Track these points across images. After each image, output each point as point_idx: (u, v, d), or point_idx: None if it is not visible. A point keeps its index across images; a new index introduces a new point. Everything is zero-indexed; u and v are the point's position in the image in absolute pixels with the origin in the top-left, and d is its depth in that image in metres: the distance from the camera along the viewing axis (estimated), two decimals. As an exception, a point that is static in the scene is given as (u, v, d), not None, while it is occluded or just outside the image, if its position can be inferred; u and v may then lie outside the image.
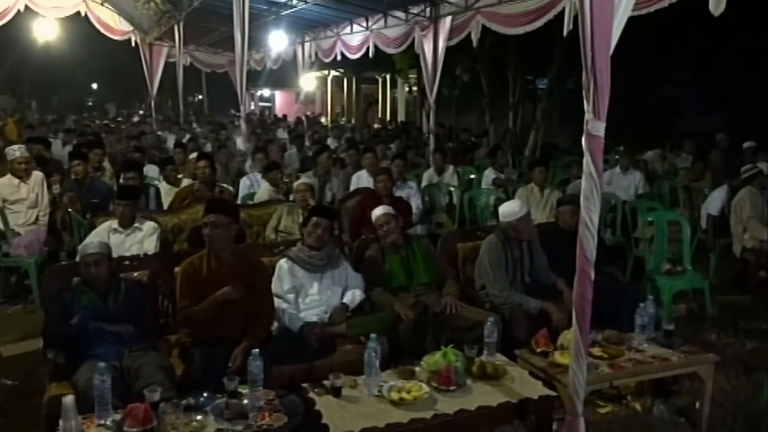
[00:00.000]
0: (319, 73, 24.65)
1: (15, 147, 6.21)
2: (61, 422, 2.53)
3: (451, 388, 2.97)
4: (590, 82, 2.74)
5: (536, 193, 6.26)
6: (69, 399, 2.55)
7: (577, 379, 2.88)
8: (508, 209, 4.32)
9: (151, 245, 4.68)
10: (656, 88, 14.82)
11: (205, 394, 2.81)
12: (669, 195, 7.77)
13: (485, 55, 12.61)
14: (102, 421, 2.63)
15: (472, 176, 8.62)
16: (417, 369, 3.16)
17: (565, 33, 6.57)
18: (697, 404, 3.60)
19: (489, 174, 7.72)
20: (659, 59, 13.28)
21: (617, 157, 9.01)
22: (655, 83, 14.48)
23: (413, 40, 9.42)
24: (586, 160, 2.80)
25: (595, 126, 2.77)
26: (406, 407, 2.82)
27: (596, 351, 3.38)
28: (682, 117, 14.50)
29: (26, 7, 13.42)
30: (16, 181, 5.87)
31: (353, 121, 23.60)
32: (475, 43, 8.48)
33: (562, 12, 6.64)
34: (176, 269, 3.81)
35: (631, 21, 2.92)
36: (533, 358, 3.41)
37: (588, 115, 2.77)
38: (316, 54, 13.71)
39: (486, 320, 3.46)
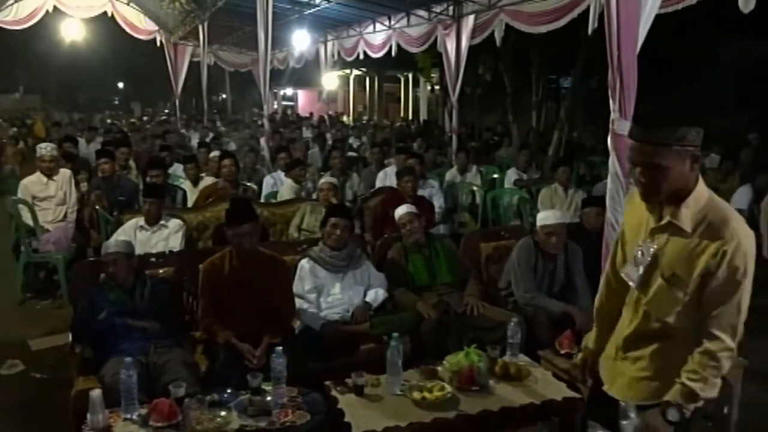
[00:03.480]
0: (341, 72, 24.70)
1: (43, 145, 6.32)
2: (88, 416, 2.57)
3: (474, 388, 2.95)
4: (616, 80, 2.72)
5: (560, 193, 6.21)
6: (96, 393, 2.60)
7: (601, 381, 2.85)
8: (540, 215, 4.25)
9: (176, 242, 4.72)
10: (683, 86, 14.61)
11: (228, 391, 2.84)
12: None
13: (508, 54, 12.52)
14: (128, 416, 2.67)
15: (495, 176, 8.58)
16: (439, 369, 3.15)
17: (589, 31, 6.51)
18: (725, 409, 3.53)
19: (511, 174, 7.67)
20: (684, 56, 13.10)
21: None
22: (681, 81, 14.28)
23: (436, 38, 9.41)
24: (612, 160, 2.79)
25: (621, 125, 2.75)
26: (429, 407, 2.82)
27: (621, 353, 3.34)
28: (709, 115, 14.28)
29: (54, 7, 13.69)
30: (44, 178, 5.98)
31: (375, 119, 23.61)
32: (498, 42, 8.43)
33: (587, 10, 6.58)
34: (201, 266, 3.85)
35: (657, 18, 2.89)
36: (557, 360, 3.38)
37: (614, 114, 2.75)
38: (338, 53, 13.75)
39: (509, 321, 3.44)
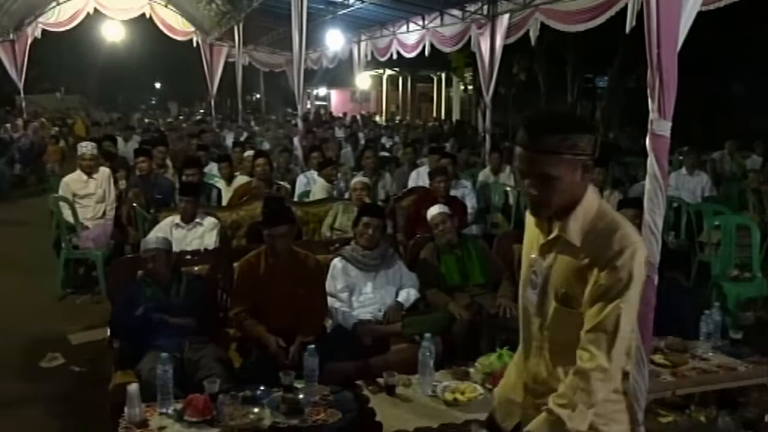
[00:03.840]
0: (374, 72, 24.76)
1: (84, 144, 6.48)
2: (126, 409, 2.63)
3: (507, 390, 2.93)
4: (656, 79, 2.66)
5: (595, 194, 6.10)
6: (134, 387, 2.65)
7: (637, 387, 2.79)
8: None
9: (211, 240, 4.78)
10: (723, 85, 14.26)
11: (261, 387, 2.87)
12: (737, 198, 7.45)
13: (543, 53, 12.40)
14: (164, 410, 2.72)
15: (529, 176, 8.47)
16: (471, 370, 3.13)
17: (627, 30, 6.38)
18: (766, 417, 3.44)
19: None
20: (725, 55, 12.78)
21: (681, 158, 8.74)
22: (721, 80, 13.94)
23: (470, 38, 9.35)
24: (650, 161, 2.72)
25: (660, 125, 2.68)
26: (461, 408, 2.81)
27: (658, 358, 3.28)
28: (750, 115, 13.91)
29: (95, 9, 14.03)
30: (85, 176, 6.12)
31: (408, 119, 23.60)
32: (533, 41, 8.33)
33: (625, 8, 6.46)
34: (235, 264, 3.90)
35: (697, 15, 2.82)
36: (591, 363, 3.32)
37: (653, 114, 2.69)
38: (371, 53, 13.78)
39: (542, 323, 3.40)
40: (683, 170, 7.52)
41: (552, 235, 1.74)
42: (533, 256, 1.81)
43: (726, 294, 4.84)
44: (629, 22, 6.35)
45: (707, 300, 4.06)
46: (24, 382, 4.27)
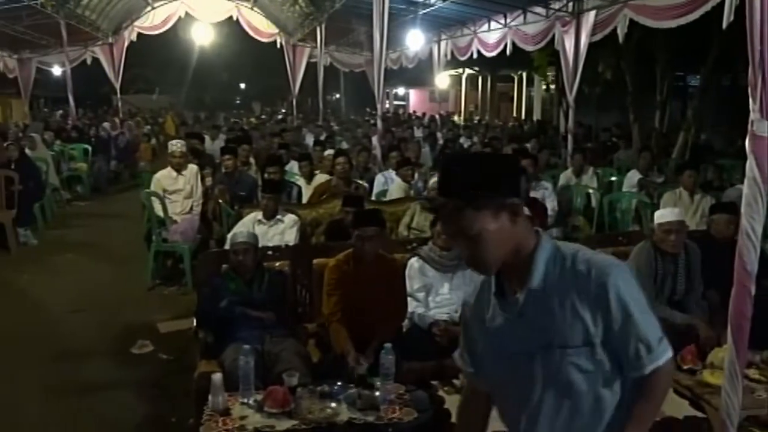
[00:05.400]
0: (453, 72, 24.59)
1: (174, 142, 6.79)
2: (210, 397, 2.74)
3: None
4: (758, 78, 2.50)
5: (685, 198, 5.83)
6: (218, 377, 2.75)
7: (730, 402, 2.64)
8: (657, 213, 4.12)
9: (291, 237, 4.90)
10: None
11: (339, 383, 2.91)
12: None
13: (631, 51, 11.89)
14: (245, 400, 2.81)
15: (613, 178, 8.19)
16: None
17: (724, 25, 6.03)
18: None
19: (633, 176, 7.29)
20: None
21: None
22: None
23: (553, 36, 9.13)
24: (750, 164, 2.56)
25: (762, 126, 2.52)
26: (538, 414, 2.74)
27: (753, 373, 3.09)
28: None
29: (186, 13, 14.72)
30: (174, 173, 6.42)
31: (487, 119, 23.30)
32: (621, 39, 8.03)
33: (722, 2, 6.11)
34: (314, 261, 3.97)
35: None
36: (679, 376, 3.17)
37: (754, 115, 2.53)
38: (451, 52, 13.70)
39: (626, 331, 3.28)
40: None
41: None
42: None
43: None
44: (726, 17, 5.99)
45: (809, 313, 3.78)
46: (116, 367, 4.53)
